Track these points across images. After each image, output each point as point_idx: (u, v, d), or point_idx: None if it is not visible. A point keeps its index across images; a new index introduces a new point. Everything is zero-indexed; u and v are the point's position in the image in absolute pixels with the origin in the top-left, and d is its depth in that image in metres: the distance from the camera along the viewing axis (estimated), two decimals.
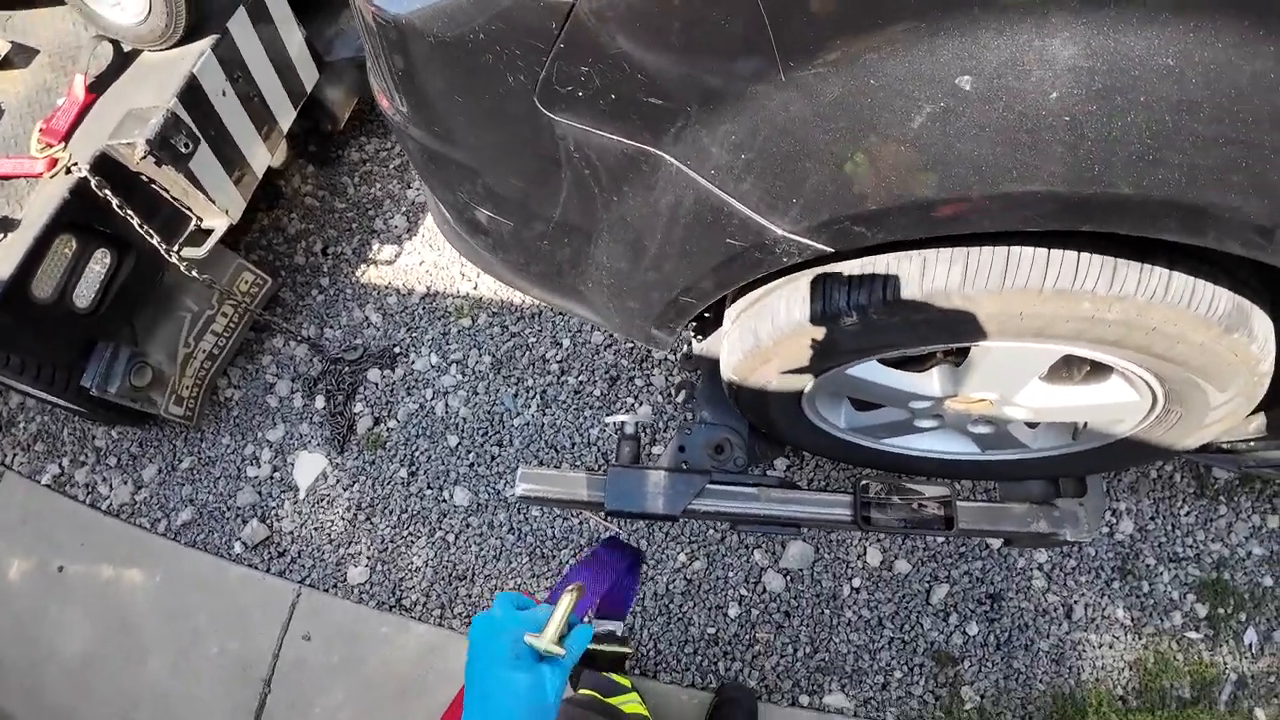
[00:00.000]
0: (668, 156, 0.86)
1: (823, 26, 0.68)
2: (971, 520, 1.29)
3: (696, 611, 1.85)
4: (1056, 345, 0.96)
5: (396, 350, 2.20)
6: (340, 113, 2.32)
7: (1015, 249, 0.84)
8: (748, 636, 1.83)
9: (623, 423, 1.37)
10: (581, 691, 1.50)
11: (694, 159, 0.84)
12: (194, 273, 1.87)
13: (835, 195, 0.77)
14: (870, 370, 1.15)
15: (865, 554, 1.88)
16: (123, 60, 1.91)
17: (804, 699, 1.77)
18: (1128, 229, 0.76)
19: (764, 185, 0.81)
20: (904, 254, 0.89)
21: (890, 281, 0.90)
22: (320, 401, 2.16)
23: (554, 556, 1.93)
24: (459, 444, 2.07)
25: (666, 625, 1.84)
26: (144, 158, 1.70)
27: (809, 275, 0.98)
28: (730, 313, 1.17)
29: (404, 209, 2.43)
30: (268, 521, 2.07)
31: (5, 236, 1.67)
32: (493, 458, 2.04)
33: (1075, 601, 1.82)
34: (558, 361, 2.12)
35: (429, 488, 2.03)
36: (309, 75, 2.13)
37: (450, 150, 1.13)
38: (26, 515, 2.20)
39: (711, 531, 1.92)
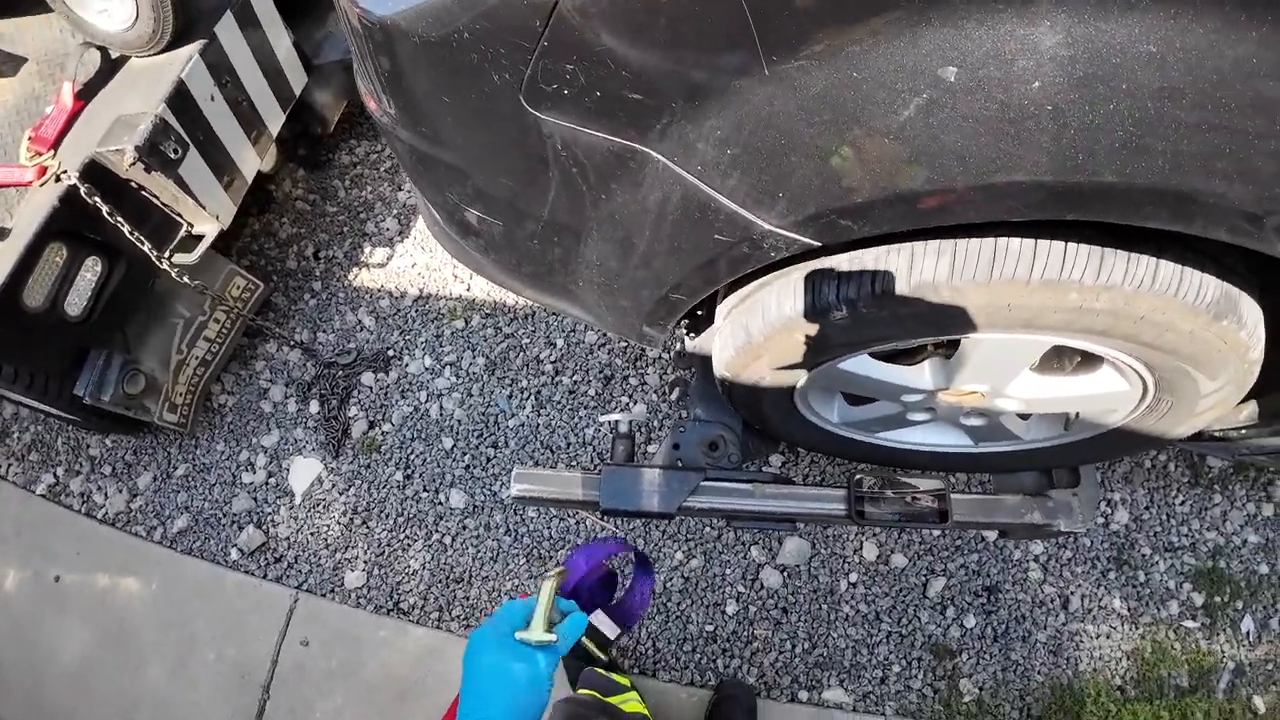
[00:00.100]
0: (654, 153, 0.86)
1: (805, 20, 0.68)
2: (966, 513, 1.29)
3: (694, 609, 1.86)
4: (1045, 336, 0.96)
5: (390, 353, 2.20)
6: (330, 116, 2.32)
7: (1002, 240, 0.84)
8: (746, 633, 1.83)
9: (616, 421, 1.37)
10: (581, 691, 1.50)
11: (680, 155, 0.84)
12: (185, 279, 1.86)
13: (821, 189, 0.77)
14: (862, 364, 1.15)
15: (862, 549, 1.88)
16: (110, 67, 1.91)
17: (803, 694, 1.77)
18: (1113, 217, 0.76)
19: (750, 180, 0.81)
20: (892, 247, 0.89)
21: (879, 275, 0.90)
22: (314, 406, 2.16)
23: (551, 557, 1.93)
24: (454, 446, 2.07)
25: (665, 623, 1.84)
26: (133, 164, 1.70)
27: (798, 270, 0.98)
28: (722, 309, 1.17)
29: (395, 212, 2.43)
30: (264, 527, 2.06)
31: None
32: (488, 459, 2.04)
33: (1072, 592, 1.82)
34: (552, 362, 2.12)
35: (425, 490, 2.03)
36: (297, 79, 2.13)
37: (438, 151, 1.13)
38: (22, 526, 2.19)
39: (708, 529, 1.92)
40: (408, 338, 2.22)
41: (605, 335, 2.12)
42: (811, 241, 0.83)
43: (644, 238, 0.98)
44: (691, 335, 1.40)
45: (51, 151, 1.77)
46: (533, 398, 2.09)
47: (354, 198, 2.47)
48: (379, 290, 2.31)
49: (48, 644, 2.04)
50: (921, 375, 1.18)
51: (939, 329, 0.96)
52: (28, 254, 1.64)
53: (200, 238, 1.91)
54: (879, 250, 0.90)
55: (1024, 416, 1.34)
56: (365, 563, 1.98)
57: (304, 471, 2.10)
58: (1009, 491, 1.38)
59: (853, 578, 1.86)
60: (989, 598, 1.82)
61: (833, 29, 0.69)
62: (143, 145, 1.69)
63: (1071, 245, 0.84)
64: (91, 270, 1.83)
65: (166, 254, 1.85)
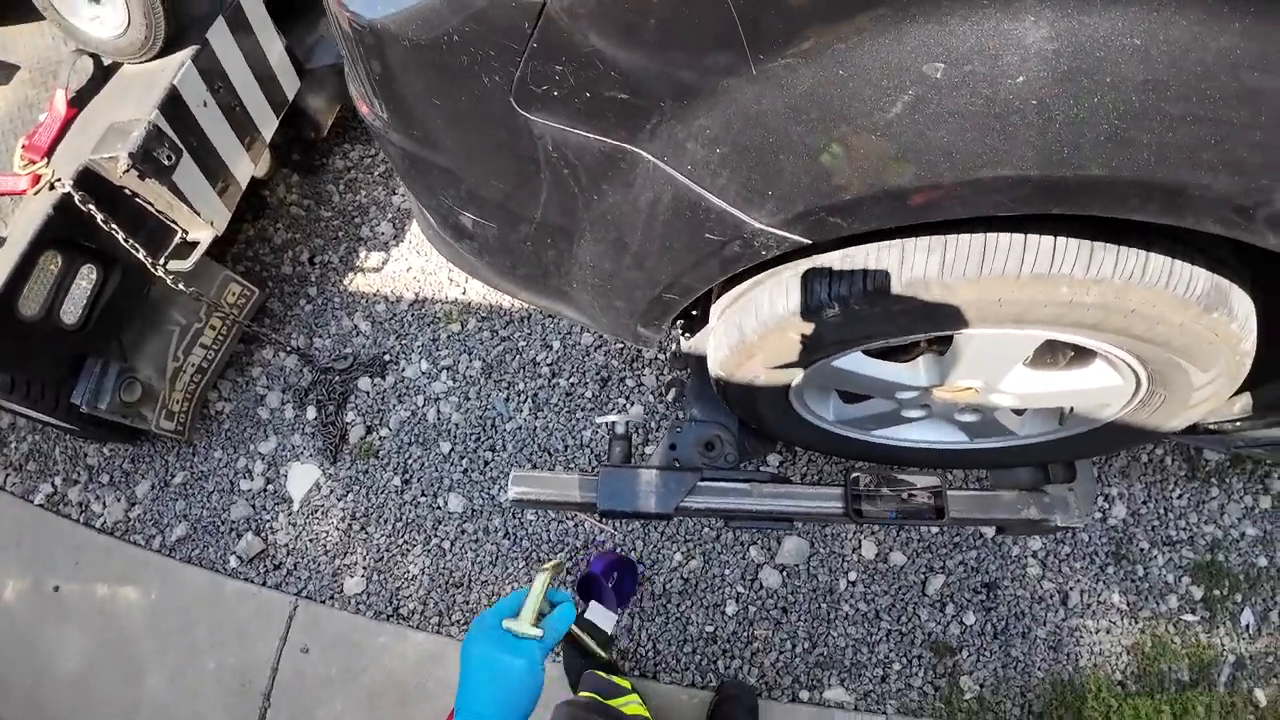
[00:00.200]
0: (644, 153, 0.87)
1: (790, 18, 0.69)
2: (963, 509, 1.30)
3: (694, 610, 1.85)
4: (1037, 330, 0.97)
5: (387, 358, 2.20)
6: (323, 120, 2.32)
7: (992, 235, 0.85)
8: (746, 634, 1.83)
9: (613, 423, 1.38)
10: (582, 694, 1.50)
11: (670, 155, 0.84)
12: (181, 286, 1.86)
13: (810, 187, 0.78)
14: (855, 362, 1.15)
15: (860, 547, 1.88)
16: (103, 74, 1.91)
17: (804, 694, 1.77)
18: (1103, 211, 0.76)
19: (740, 179, 0.81)
20: (883, 244, 0.90)
21: (870, 272, 0.90)
22: (311, 412, 2.16)
23: (550, 560, 1.92)
24: (452, 450, 2.06)
25: (665, 625, 1.84)
26: (127, 171, 1.70)
27: (790, 268, 0.99)
28: (716, 309, 1.17)
29: (390, 215, 2.43)
30: (262, 534, 2.06)
31: None
32: (486, 463, 2.04)
33: (1071, 588, 1.82)
34: (548, 364, 2.12)
35: (423, 495, 2.03)
36: (290, 84, 2.13)
37: (431, 154, 1.13)
38: (21, 536, 2.19)
39: (706, 530, 1.92)
40: (404, 342, 2.22)
41: (601, 337, 2.12)
42: (801, 239, 0.83)
43: (636, 238, 0.99)
44: (687, 335, 1.41)
45: (45, 159, 1.77)
46: (530, 400, 2.09)
47: (348, 202, 2.47)
48: (375, 295, 2.31)
49: (48, 653, 2.03)
50: (915, 372, 1.18)
51: (931, 325, 0.96)
52: (23, 263, 1.64)
53: (195, 244, 1.91)
54: (870, 247, 0.91)
55: (1018, 412, 1.34)
56: (364, 568, 1.98)
57: (302, 478, 2.10)
58: (1005, 487, 1.38)
59: (852, 576, 1.86)
60: (988, 594, 1.83)
61: (819, 27, 0.69)
62: (136, 152, 1.69)
63: (1061, 239, 0.84)
64: (87, 278, 1.83)
65: (161, 261, 1.85)
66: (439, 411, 2.11)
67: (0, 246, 1.67)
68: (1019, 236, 0.84)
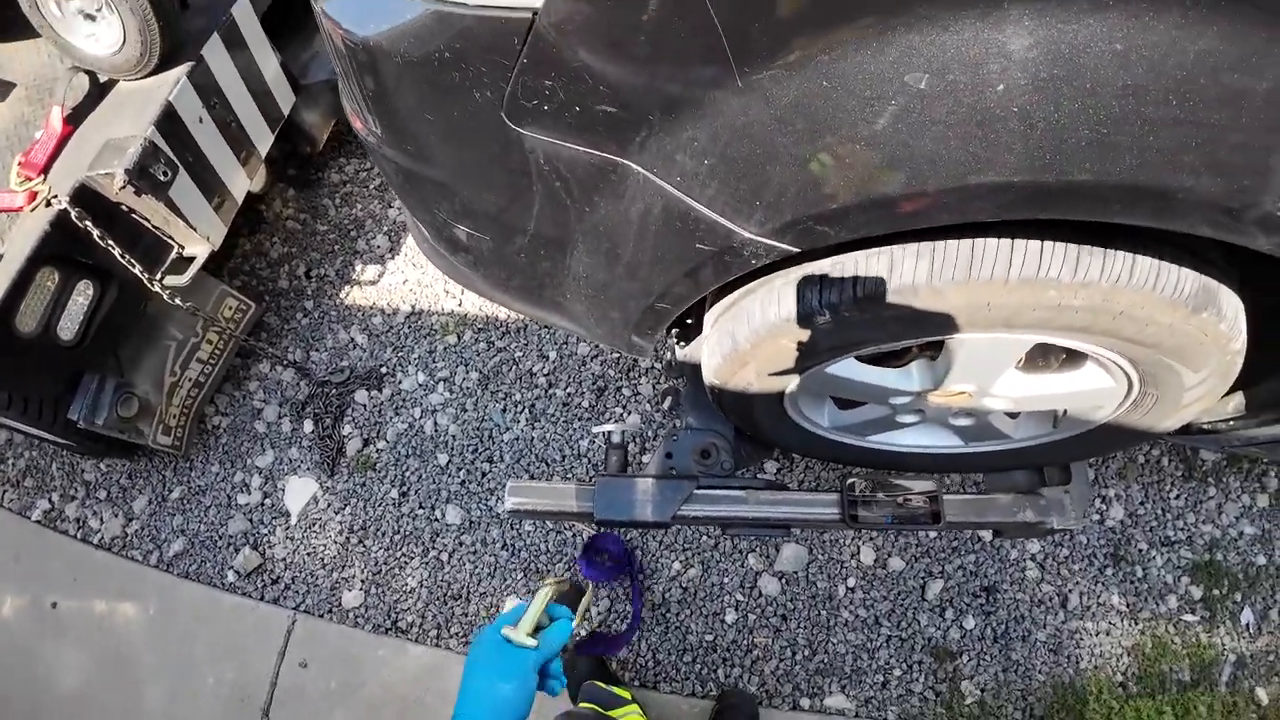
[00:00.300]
0: (634, 165, 0.87)
1: (774, 31, 0.70)
2: (959, 513, 1.30)
3: (694, 619, 1.85)
4: (1027, 334, 0.97)
5: (383, 370, 2.20)
6: (318, 135, 2.33)
7: (980, 241, 0.85)
8: (746, 642, 1.83)
9: (609, 432, 1.38)
10: (582, 705, 1.50)
11: (660, 167, 0.85)
12: (177, 301, 1.87)
13: (797, 196, 0.78)
14: (849, 368, 1.16)
15: (859, 553, 1.88)
16: (99, 91, 1.92)
17: (805, 702, 1.77)
18: (1087, 215, 0.77)
19: (728, 189, 0.82)
20: (872, 251, 0.90)
21: (860, 279, 0.91)
22: (308, 425, 2.16)
23: (549, 570, 1.92)
24: (449, 462, 2.07)
25: (664, 634, 1.84)
26: (123, 187, 1.71)
27: (781, 276, 1.00)
28: (709, 317, 1.18)
29: (386, 229, 2.44)
30: (260, 549, 2.06)
31: None
32: (483, 474, 2.04)
33: (1070, 590, 1.82)
34: (545, 375, 2.13)
35: (421, 507, 2.03)
36: (285, 99, 2.15)
37: (425, 169, 1.14)
38: (18, 552, 2.18)
39: (705, 538, 1.92)
40: (401, 354, 2.22)
41: (597, 347, 2.12)
42: (790, 248, 0.84)
43: (628, 248, 1.00)
44: (681, 344, 1.41)
45: (42, 176, 1.78)
46: (527, 411, 2.09)
47: (344, 216, 2.48)
48: (371, 307, 2.31)
49: (47, 670, 2.02)
50: (908, 377, 1.19)
51: (921, 330, 0.97)
52: (19, 279, 1.65)
53: (191, 259, 1.92)
54: (859, 255, 0.91)
55: (1012, 415, 1.34)
56: (362, 582, 1.98)
57: (299, 491, 2.10)
58: (1001, 491, 1.39)
59: (851, 582, 1.86)
60: (987, 598, 1.82)
61: (802, 40, 0.70)
62: (132, 168, 1.70)
63: (1048, 244, 0.85)
64: (83, 294, 1.83)
65: (158, 276, 1.86)
66: (436, 423, 2.11)
67: None
68: (1006, 241, 0.85)
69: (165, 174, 1.78)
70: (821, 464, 1.96)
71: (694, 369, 1.33)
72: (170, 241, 1.91)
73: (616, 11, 0.74)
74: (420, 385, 2.17)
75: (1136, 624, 1.79)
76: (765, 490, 1.29)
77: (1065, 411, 1.27)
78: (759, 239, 0.84)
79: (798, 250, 0.85)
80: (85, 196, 1.72)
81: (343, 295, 2.35)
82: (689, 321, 1.35)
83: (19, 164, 1.77)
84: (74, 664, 2.02)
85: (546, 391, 2.11)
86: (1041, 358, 1.19)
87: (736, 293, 1.09)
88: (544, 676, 0.80)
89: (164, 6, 1.73)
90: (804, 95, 0.72)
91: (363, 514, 2.05)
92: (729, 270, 0.92)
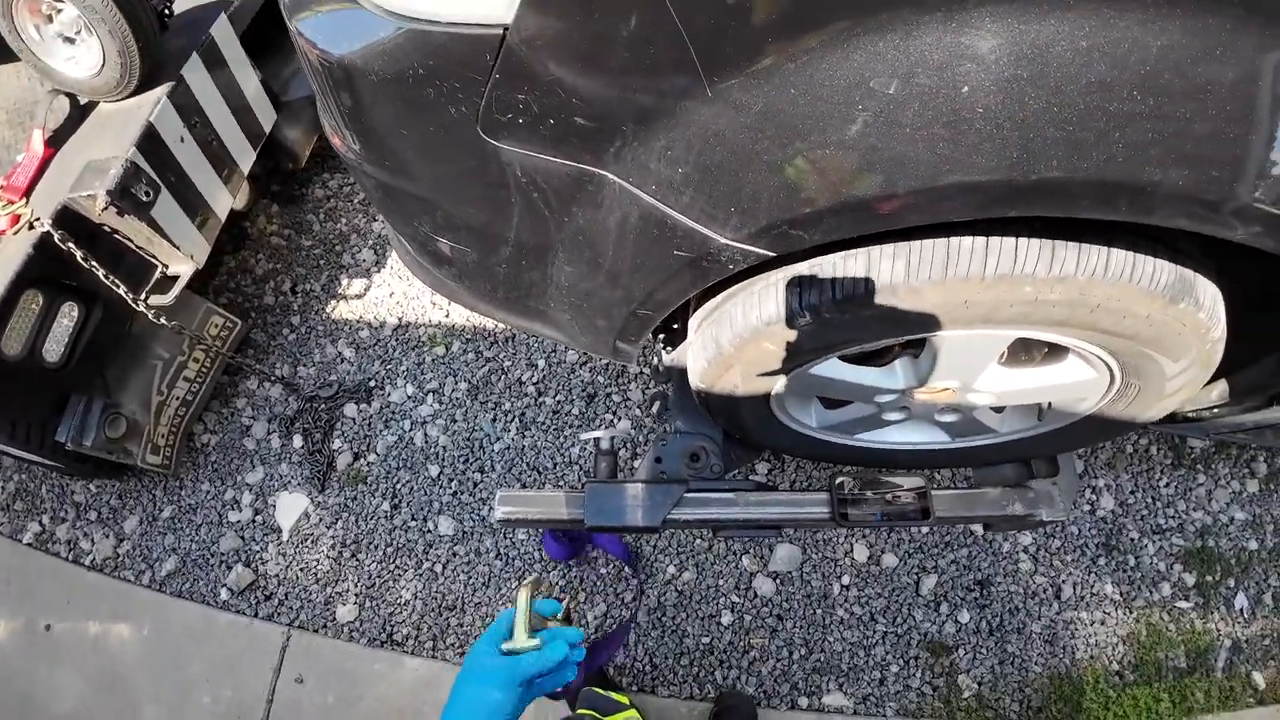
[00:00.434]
0: (610, 175, 0.88)
1: (742, 41, 0.70)
2: (948, 508, 1.30)
3: (690, 622, 1.85)
4: (1006, 330, 0.98)
5: (372, 384, 2.20)
6: (301, 151, 2.33)
7: (955, 239, 0.86)
8: (742, 643, 1.83)
9: (598, 438, 1.38)
10: (581, 711, 1.49)
11: (635, 176, 0.86)
12: (162, 320, 1.86)
13: (770, 201, 0.79)
14: (833, 368, 1.17)
15: (852, 551, 1.89)
16: (80, 113, 1.92)
17: (803, 701, 1.77)
18: (1061, 211, 0.77)
19: (703, 196, 0.82)
20: (849, 252, 0.91)
21: (838, 280, 0.92)
22: (298, 441, 2.15)
23: (544, 579, 1.92)
24: (440, 473, 2.06)
25: (661, 638, 1.84)
26: (105, 208, 1.70)
27: (761, 280, 1.00)
28: (693, 322, 1.19)
29: (371, 242, 2.44)
30: (253, 566, 2.05)
31: None
32: (475, 484, 2.04)
33: (1063, 581, 1.83)
34: (534, 383, 2.13)
35: (413, 519, 2.02)
36: (267, 116, 2.14)
37: (404, 184, 1.14)
38: (10, 575, 2.17)
39: (698, 541, 1.93)
40: (389, 367, 2.22)
41: (586, 354, 2.13)
42: (766, 252, 0.85)
43: (608, 257, 1.00)
44: (668, 349, 1.42)
45: (24, 199, 1.77)
46: (517, 420, 2.09)
47: (329, 230, 2.48)
48: (358, 321, 2.31)
49: (43, 693, 2.01)
50: (892, 375, 1.20)
51: (902, 329, 0.98)
52: (3, 303, 1.64)
53: (176, 278, 1.91)
54: (837, 256, 0.92)
55: (998, 410, 1.35)
56: (356, 596, 1.97)
57: (290, 507, 2.09)
58: (989, 485, 1.39)
59: (845, 580, 1.86)
60: (981, 592, 1.83)
61: (769, 48, 0.71)
62: (114, 189, 1.69)
63: (1023, 240, 0.86)
64: (68, 316, 1.82)
65: (142, 296, 1.85)
66: (426, 435, 2.11)
67: None
68: (981, 239, 0.86)
69: (147, 194, 1.77)
70: (813, 464, 1.97)
71: (681, 373, 1.33)
72: (154, 261, 1.90)
73: (585, 25, 0.75)
74: (409, 397, 2.17)
75: (1131, 612, 1.80)
76: (755, 492, 1.30)
77: (1050, 404, 1.28)
78: (735, 244, 0.84)
79: (774, 254, 0.85)
80: (68, 218, 1.71)
81: (329, 310, 2.34)
82: (674, 326, 1.36)
83: (1, 188, 1.77)
84: (70, 687, 2.00)
85: (536, 400, 2.11)
86: (1024, 352, 1.20)
87: (719, 297, 1.10)
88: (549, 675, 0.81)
89: (143, 28, 1.73)
90: (773, 103, 0.73)
91: (355, 528, 2.04)
92: (708, 276, 0.92)
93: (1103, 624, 1.80)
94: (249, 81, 2.07)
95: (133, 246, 1.84)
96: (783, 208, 0.79)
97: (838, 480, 1.27)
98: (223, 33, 1.97)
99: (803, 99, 0.71)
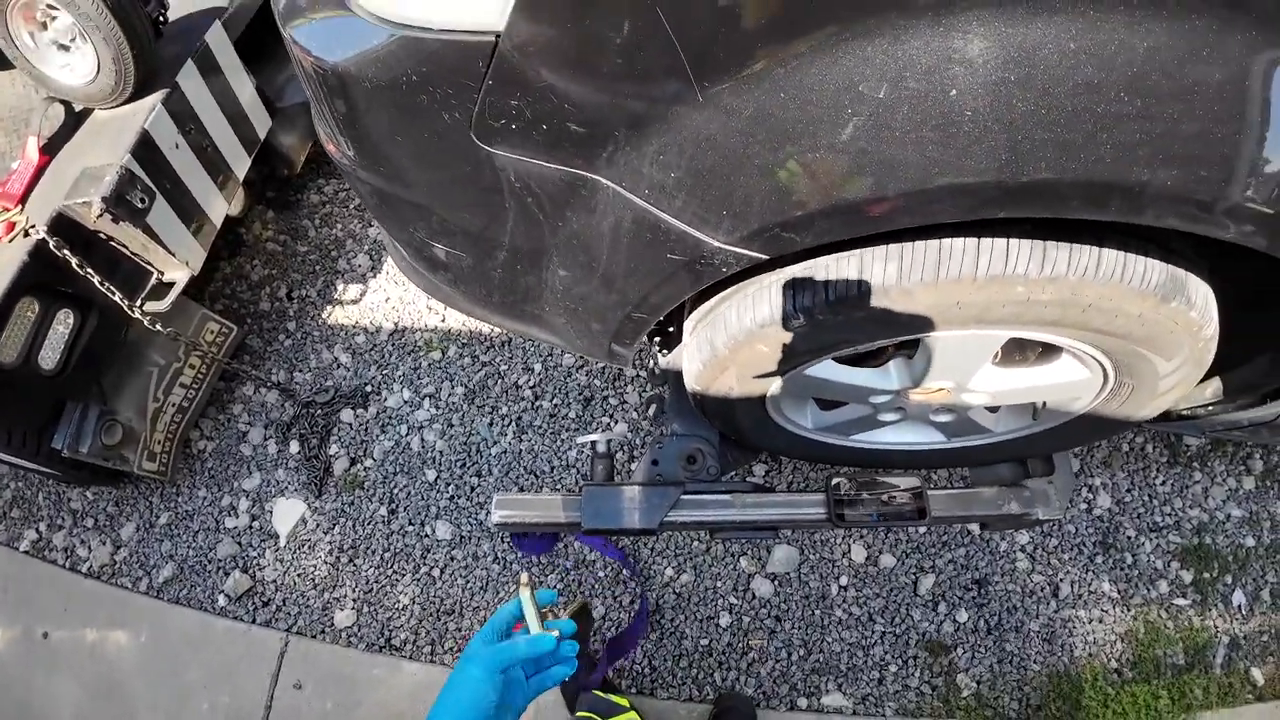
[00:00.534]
0: (603, 180, 0.88)
1: (732, 47, 0.71)
2: (944, 508, 1.31)
3: (688, 624, 1.85)
4: (999, 330, 0.99)
5: (368, 389, 2.20)
6: (296, 157, 2.33)
7: (947, 241, 0.87)
8: (741, 644, 1.83)
9: (594, 442, 1.38)
10: (580, 714, 1.49)
11: (628, 180, 0.86)
12: (158, 327, 1.86)
13: (762, 205, 0.79)
14: (828, 369, 1.17)
15: (850, 551, 1.89)
16: (75, 120, 1.92)
17: (802, 701, 1.77)
18: (1051, 212, 0.78)
19: (695, 200, 0.83)
20: (842, 255, 0.92)
21: (831, 282, 0.92)
22: (294, 446, 2.15)
23: (542, 582, 1.92)
24: (437, 478, 2.06)
25: (660, 641, 1.84)
26: (100, 215, 1.70)
27: (755, 283, 1.01)
28: (688, 324, 1.19)
29: (366, 248, 2.44)
30: (250, 572, 2.04)
31: None
32: (472, 488, 2.04)
33: (1061, 580, 1.84)
34: (530, 387, 2.13)
35: (410, 524, 2.02)
36: (261, 122, 2.15)
37: (399, 190, 1.15)
38: (7, 583, 2.16)
39: (696, 543, 1.93)
40: (385, 372, 2.22)
41: (582, 358, 2.13)
42: (759, 255, 0.85)
43: (603, 261, 1.00)
44: (664, 352, 1.42)
45: (19, 207, 1.77)
46: (514, 424, 2.09)
47: (324, 236, 2.48)
48: (354, 326, 2.31)
49: (40, 702, 2.00)
50: (887, 376, 1.20)
51: (895, 330, 0.98)
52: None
53: (171, 285, 1.91)
54: (830, 259, 0.92)
55: (993, 410, 1.36)
56: (354, 601, 1.97)
57: (287, 513, 2.09)
58: (985, 484, 1.40)
59: (843, 581, 1.86)
60: (979, 591, 1.84)
61: (759, 53, 0.71)
62: (109, 196, 1.69)
63: (1014, 241, 0.86)
64: (64, 323, 1.82)
65: (138, 303, 1.85)
66: (423, 439, 2.11)
67: None
68: (973, 240, 0.86)
69: (142, 201, 1.78)
70: (809, 465, 1.97)
71: (677, 376, 1.34)
72: (149, 268, 1.90)
73: (576, 32, 0.75)
74: (406, 402, 2.17)
75: (1129, 610, 1.81)
76: (751, 493, 1.30)
77: (1044, 404, 1.29)
78: (728, 247, 0.85)
79: (766, 257, 0.86)
80: (63, 225, 1.71)
81: (325, 315, 2.34)
82: (670, 329, 1.36)
83: None
84: (67, 694, 2.00)
85: (533, 404, 2.11)
86: (1018, 352, 1.20)
87: (713, 300, 1.10)
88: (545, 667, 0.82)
89: (138, 35, 1.73)
90: (764, 107, 0.73)
91: (352, 533, 2.04)
92: (701, 279, 0.93)
93: (1101, 622, 1.80)
94: (244, 88, 2.07)
95: (128, 253, 1.85)
96: (774, 211, 0.79)
97: (834, 481, 1.28)
98: (217, 39, 1.98)
99: (793, 103, 0.72)
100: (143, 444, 2.03)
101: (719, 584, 1.88)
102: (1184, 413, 1.43)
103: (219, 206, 2.03)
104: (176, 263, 1.91)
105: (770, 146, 0.75)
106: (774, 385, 1.19)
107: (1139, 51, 0.68)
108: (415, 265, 1.40)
